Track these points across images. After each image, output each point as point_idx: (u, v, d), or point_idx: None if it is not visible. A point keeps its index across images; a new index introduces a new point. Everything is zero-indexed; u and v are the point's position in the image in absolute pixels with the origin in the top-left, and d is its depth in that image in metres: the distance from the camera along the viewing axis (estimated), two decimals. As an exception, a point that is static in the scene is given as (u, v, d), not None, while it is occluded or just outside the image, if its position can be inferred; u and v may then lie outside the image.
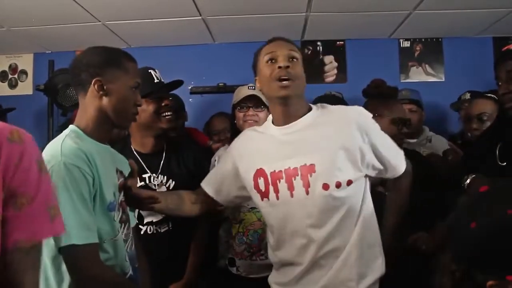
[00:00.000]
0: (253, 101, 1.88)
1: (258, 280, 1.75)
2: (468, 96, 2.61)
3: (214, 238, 2.03)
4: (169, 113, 1.70)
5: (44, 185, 0.77)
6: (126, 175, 1.34)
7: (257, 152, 1.41)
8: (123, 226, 1.28)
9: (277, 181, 1.34)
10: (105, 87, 1.22)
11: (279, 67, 1.31)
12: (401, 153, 1.45)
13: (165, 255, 1.69)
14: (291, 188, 1.32)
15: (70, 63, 1.28)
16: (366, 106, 1.75)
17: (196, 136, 2.58)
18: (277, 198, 1.35)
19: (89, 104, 1.24)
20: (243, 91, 1.92)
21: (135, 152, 1.74)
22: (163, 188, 1.73)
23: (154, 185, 1.73)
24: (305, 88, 1.39)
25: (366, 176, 1.37)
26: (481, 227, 0.79)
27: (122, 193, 1.29)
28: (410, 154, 1.79)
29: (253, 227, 1.84)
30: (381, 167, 1.38)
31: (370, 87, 1.89)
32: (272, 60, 1.34)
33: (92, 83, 1.22)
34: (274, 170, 1.35)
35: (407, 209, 1.48)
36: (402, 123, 1.79)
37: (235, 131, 1.89)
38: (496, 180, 1.23)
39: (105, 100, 1.23)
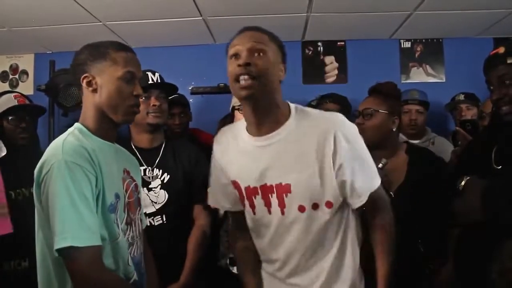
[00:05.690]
0: None
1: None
2: (462, 97, 2.61)
3: (215, 238, 2.02)
4: (154, 113, 1.75)
5: None
6: (134, 174, 1.34)
7: (230, 164, 1.30)
8: (128, 228, 1.22)
9: (253, 197, 1.26)
10: (93, 82, 1.19)
11: (239, 65, 1.13)
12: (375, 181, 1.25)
13: (160, 251, 1.58)
14: (268, 204, 1.24)
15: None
16: None
17: (200, 136, 2.59)
18: (254, 213, 1.29)
19: (86, 102, 1.22)
20: None
21: (134, 148, 1.78)
22: (158, 181, 1.77)
23: (149, 177, 1.76)
24: (279, 84, 1.21)
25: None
26: None
27: (127, 194, 1.25)
28: (421, 152, 1.80)
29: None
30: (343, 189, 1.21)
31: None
32: (236, 55, 1.17)
33: (81, 80, 1.20)
34: (249, 186, 1.25)
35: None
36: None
37: None
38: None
39: (97, 96, 1.19)
